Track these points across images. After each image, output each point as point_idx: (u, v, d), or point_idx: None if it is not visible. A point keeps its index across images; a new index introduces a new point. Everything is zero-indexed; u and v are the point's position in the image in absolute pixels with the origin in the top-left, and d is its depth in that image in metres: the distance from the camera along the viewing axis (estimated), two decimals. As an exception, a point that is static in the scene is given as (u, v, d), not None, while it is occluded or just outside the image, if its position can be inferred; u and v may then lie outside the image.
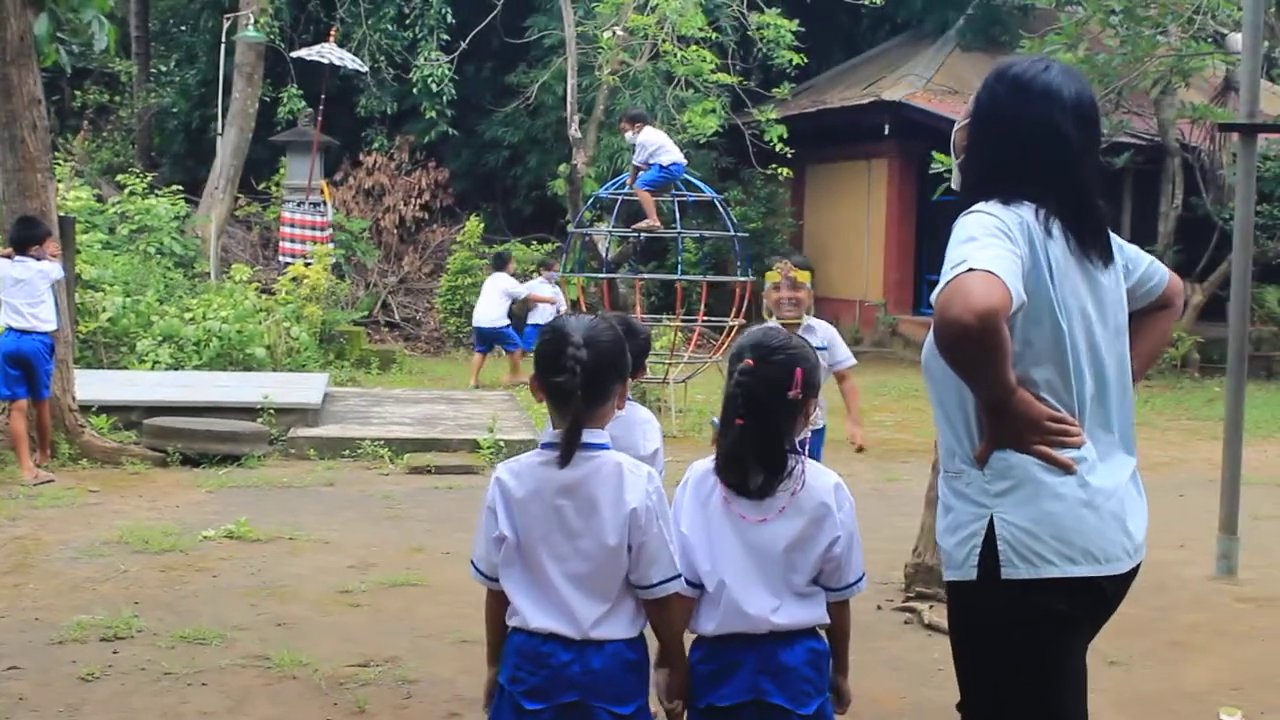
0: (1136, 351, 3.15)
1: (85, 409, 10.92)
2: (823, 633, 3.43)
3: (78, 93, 24.57)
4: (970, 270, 2.68)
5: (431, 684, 5.61)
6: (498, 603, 3.32)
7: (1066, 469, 2.83)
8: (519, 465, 3.26)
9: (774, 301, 7.49)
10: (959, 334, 2.64)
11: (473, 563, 3.35)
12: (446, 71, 21.54)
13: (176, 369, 14.54)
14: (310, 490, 9.80)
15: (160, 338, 15.00)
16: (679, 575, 3.22)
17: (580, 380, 3.12)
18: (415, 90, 21.83)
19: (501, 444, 10.99)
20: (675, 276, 16.15)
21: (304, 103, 21.30)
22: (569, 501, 3.17)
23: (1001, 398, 2.76)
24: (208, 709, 5.25)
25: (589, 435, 3.17)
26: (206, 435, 10.72)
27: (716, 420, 3.43)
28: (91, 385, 11.74)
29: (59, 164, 17.16)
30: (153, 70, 25.63)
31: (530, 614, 3.20)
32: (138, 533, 8.05)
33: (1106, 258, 3.03)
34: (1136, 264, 3.22)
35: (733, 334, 14.04)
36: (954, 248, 2.80)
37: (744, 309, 14.20)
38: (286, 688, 5.52)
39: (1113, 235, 3.14)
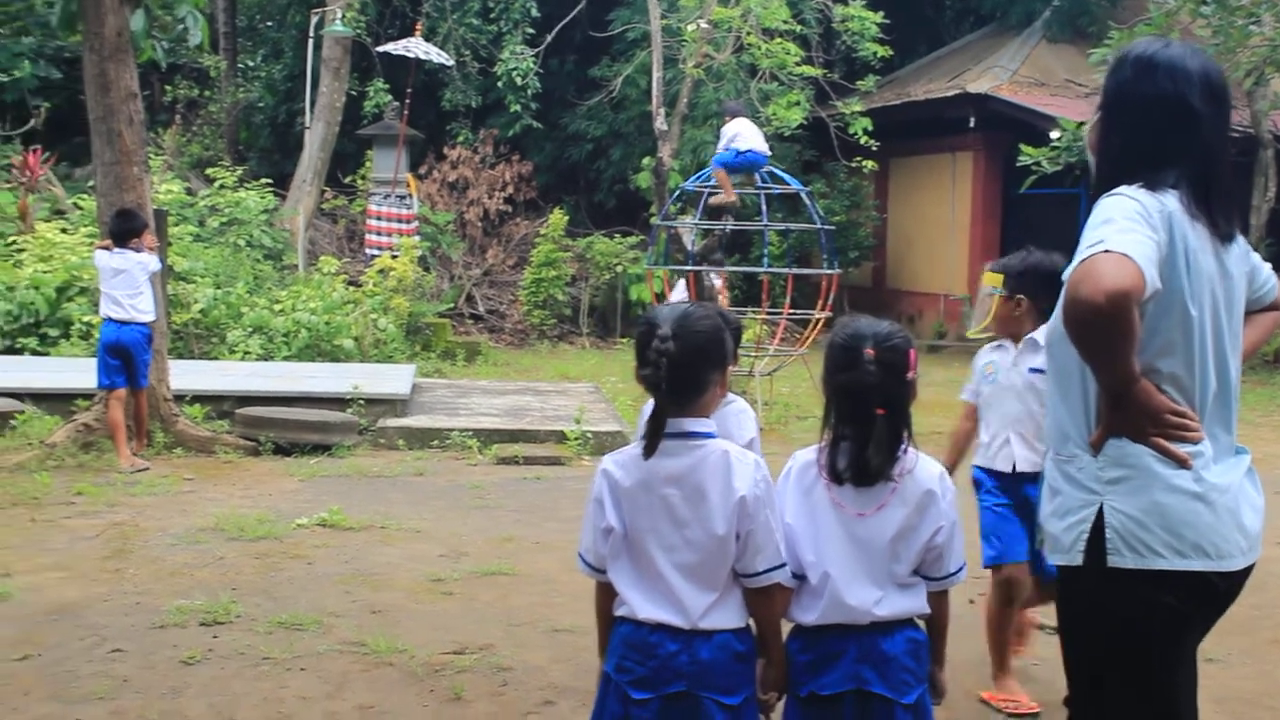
0: None
1: (179, 398, 11.11)
2: (921, 622, 3.44)
3: (168, 88, 24.92)
4: (1106, 251, 2.66)
5: (526, 672, 5.65)
6: (606, 595, 3.33)
7: (1182, 463, 2.80)
8: (624, 456, 3.27)
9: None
10: (1088, 314, 2.62)
11: (580, 555, 3.36)
12: (531, 65, 21.63)
13: (266, 360, 14.75)
14: (400, 480, 9.90)
15: (250, 329, 15.21)
16: (784, 564, 3.22)
17: (665, 373, 3.11)
18: (499, 84, 21.93)
19: (589, 435, 11.03)
20: (760, 269, 16.13)
21: (390, 97, 21.46)
22: (677, 491, 3.17)
23: (1123, 385, 2.73)
24: (307, 694, 5.33)
25: (694, 424, 3.18)
26: (298, 425, 10.86)
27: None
28: (185, 375, 11.93)
29: (151, 158, 17.41)
30: (240, 65, 25.96)
31: (638, 604, 3.21)
32: (233, 520, 8.18)
33: (1232, 240, 2.98)
34: (1259, 270, 3.20)
35: (818, 326, 14.01)
36: (1091, 229, 2.77)
37: (829, 302, 14.15)
38: (383, 674, 5.58)
39: (1245, 240, 3.12)
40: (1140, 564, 2.87)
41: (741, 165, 14.02)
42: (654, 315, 3.23)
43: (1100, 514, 2.91)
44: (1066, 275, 2.71)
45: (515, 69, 21.57)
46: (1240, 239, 3.08)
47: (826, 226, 14.64)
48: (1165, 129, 2.95)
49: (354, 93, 21.70)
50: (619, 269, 20.77)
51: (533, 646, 6.01)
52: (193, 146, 23.88)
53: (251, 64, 25.92)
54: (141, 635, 6.01)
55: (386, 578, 7.11)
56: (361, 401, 11.62)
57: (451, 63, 21.22)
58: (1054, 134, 17.65)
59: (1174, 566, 2.86)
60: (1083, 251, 2.69)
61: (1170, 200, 2.87)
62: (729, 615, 3.21)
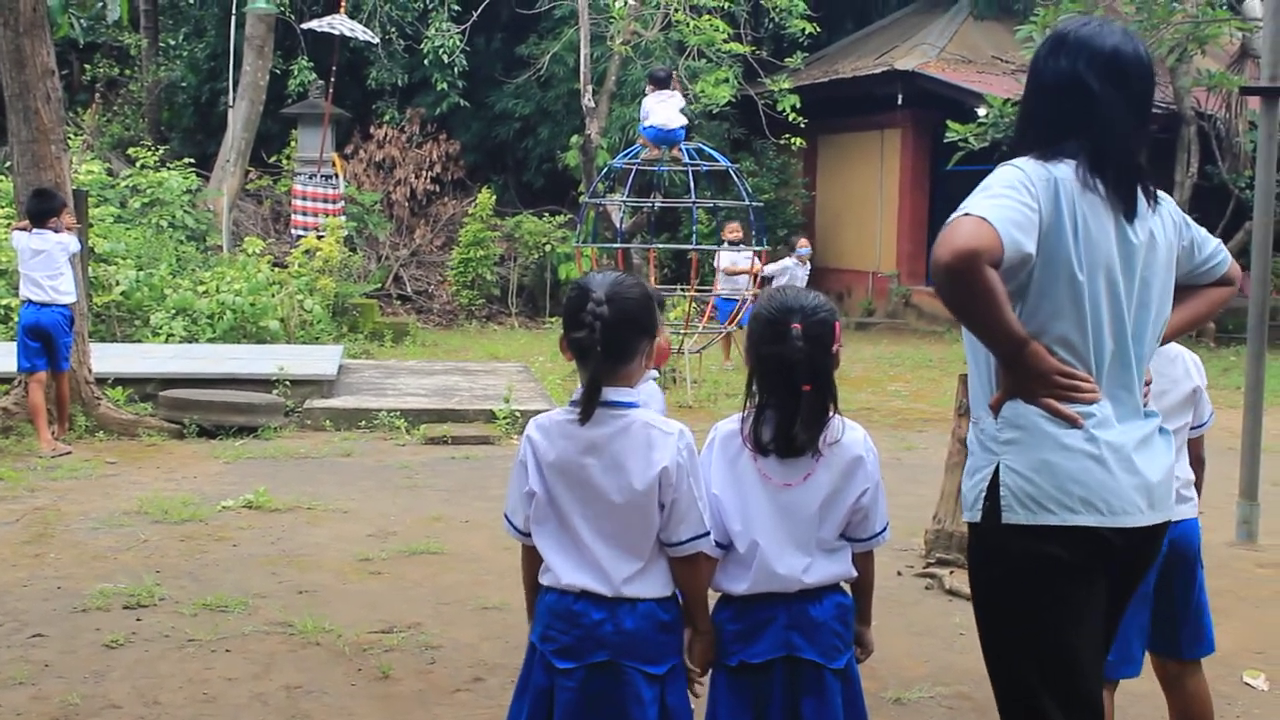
0: (1173, 318, 3.18)
1: (101, 381, 10.93)
2: (846, 586, 3.46)
3: (87, 66, 24.50)
4: (966, 215, 2.76)
5: (454, 650, 5.62)
6: (532, 559, 3.31)
7: (1072, 423, 2.87)
8: (548, 421, 3.25)
9: None
10: (941, 274, 2.72)
11: (506, 516, 3.34)
12: (457, 43, 21.43)
13: (190, 342, 14.56)
14: (327, 461, 9.82)
15: (174, 311, 15.02)
16: (708, 533, 3.21)
17: (599, 336, 3.09)
18: (426, 62, 21.72)
19: (517, 415, 10.98)
20: (690, 247, 16.12)
21: (314, 75, 21.24)
22: (595, 460, 3.15)
23: (1008, 347, 2.80)
24: (233, 675, 5.26)
25: (616, 394, 3.16)
26: (222, 407, 10.73)
27: None
28: (107, 358, 11.75)
29: (70, 138, 17.11)
30: (161, 44, 25.51)
31: (561, 571, 3.19)
32: (157, 503, 8.06)
33: (1135, 213, 3.02)
34: (1203, 245, 3.26)
35: (745, 305, 14.02)
36: (972, 195, 2.86)
37: (759, 280, 14.18)
38: (311, 654, 5.53)
39: (1184, 215, 3.20)
40: (1031, 519, 2.95)
41: (654, 140, 14.03)
42: (587, 281, 3.21)
43: (996, 472, 2.99)
44: None
45: (441, 46, 21.36)
46: (1172, 212, 3.13)
47: (755, 204, 14.64)
48: (1061, 104, 3.02)
49: (278, 71, 21.42)
50: (548, 248, 20.71)
51: (461, 624, 5.97)
52: (113, 126, 23.52)
53: (173, 42, 25.46)
54: (63, 620, 5.91)
55: (313, 558, 7.04)
56: (287, 383, 11.50)
57: (377, 40, 20.99)
58: (981, 111, 17.76)
59: (1063, 521, 2.94)
60: (952, 218, 2.79)
61: (1061, 169, 2.94)
62: (653, 584, 3.19)
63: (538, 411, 11.16)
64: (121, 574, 6.60)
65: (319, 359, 13.01)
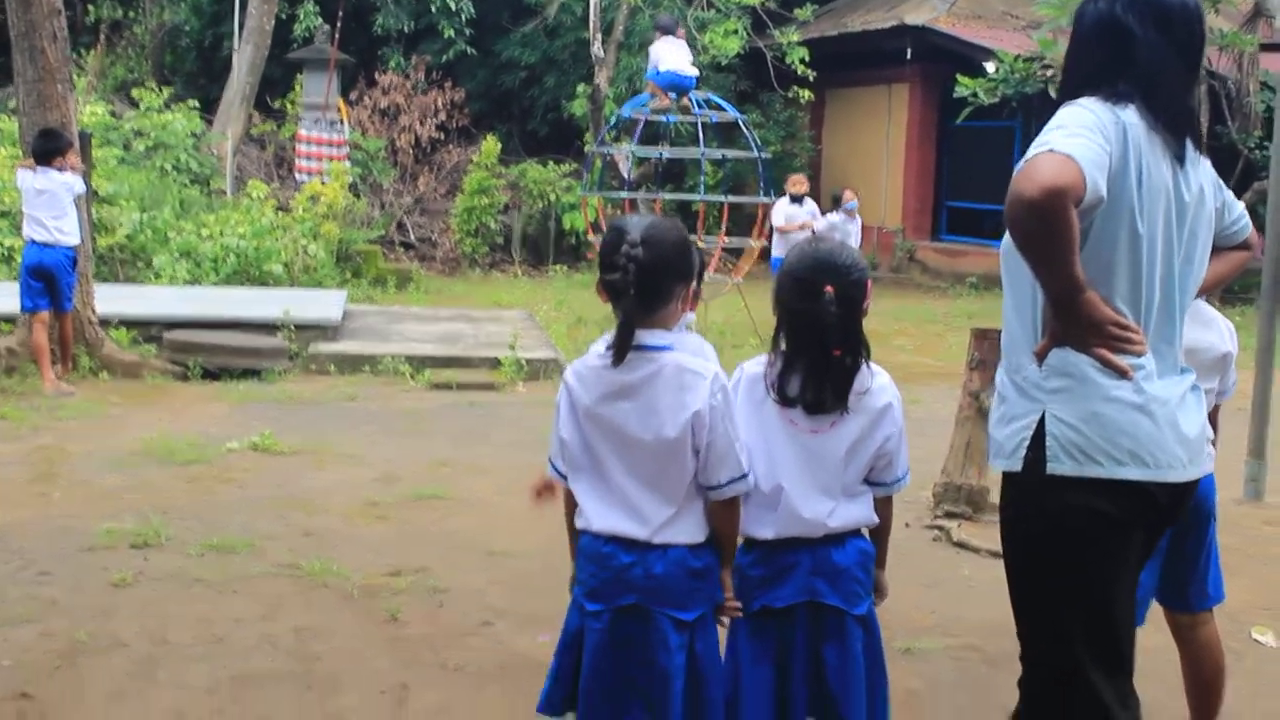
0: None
1: (105, 323, 10.89)
2: (867, 533, 3.43)
3: (91, 8, 24.28)
4: (1050, 151, 2.66)
5: (462, 594, 5.60)
6: (571, 502, 3.29)
7: (1122, 374, 2.80)
8: (584, 367, 3.21)
9: None
10: (1024, 210, 2.62)
11: (549, 460, 3.32)
12: (465, -11, 21.28)
13: (194, 285, 14.50)
14: (332, 405, 9.79)
15: (177, 254, 14.95)
16: (746, 475, 3.17)
17: (633, 278, 3.04)
18: (433, 9, 21.57)
19: (523, 362, 10.96)
20: (696, 197, 16.04)
21: (320, 20, 21.06)
22: (629, 404, 3.11)
23: (1067, 292, 2.71)
24: (241, 616, 5.25)
25: (649, 337, 3.10)
26: (227, 350, 10.71)
27: None
28: (111, 299, 11.68)
29: (74, 79, 16.99)
30: (166, -14, 25.33)
31: (594, 515, 3.17)
32: (162, 444, 8.04)
33: (1185, 163, 2.97)
34: (1232, 208, 3.23)
35: (754, 256, 13.96)
36: (1044, 132, 2.77)
37: (765, 230, 14.11)
38: (319, 596, 5.51)
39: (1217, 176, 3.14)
40: (1078, 471, 2.89)
41: (666, 86, 13.92)
42: (622, 222, 3.16)
43: (1042, 421, 2.93)
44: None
45: (449, -8, 21.20)
46: (1209, 169, 3.08)
47: (764, 155, 14.55)
48: (1103, 47, 2.97)
49: (283, 16, 21.25)
50: (552, 197, 20.61)
51: (469, 569, 5.95)
52: (116, 69, 23.35)
53: (177, -15, 25.26)
54: (70, 558, 5.90)
55: (320, 502, 7.02)
56: (292, 327, 11.46)
57: (383, -15, 20.83)
58: (990, 66, 17.60)
59: (1111, 474, 2.89)
60: (1029, 154, 2.70)
61: (1129, 114, 2.88)
62: (686, 530, 3.16)
63: (543, 359, 11.22)
64: (128, 514, 6.58)
65: (323, 303, 12.97)
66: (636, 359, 3.10)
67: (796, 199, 14.56)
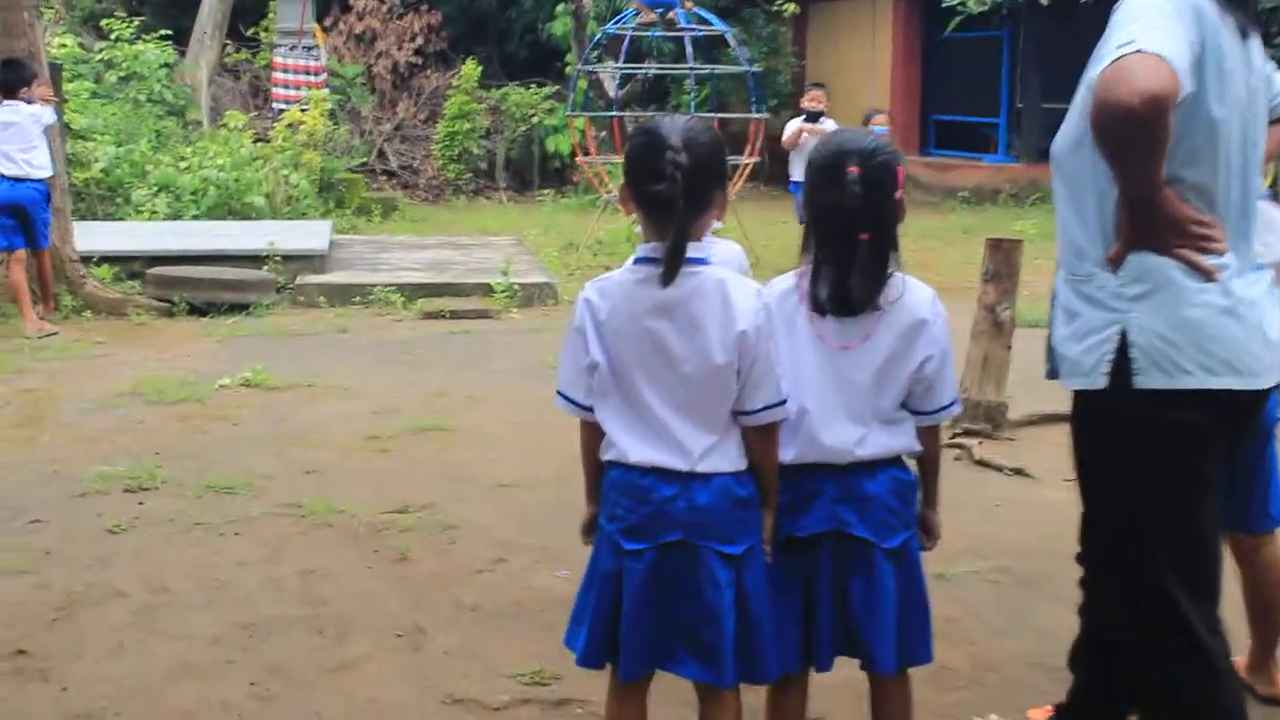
0: None
1: (86, 260, 10.59)
2: (910, 461, 3.20)
3: (55, -63, 23.71)
4: (1139, 52, 2.41)
5: (472, 529, 5.40)
6: (592, 435, 3.00)
7: (1208, 275, 2.57)
8: (609, 284, 2.93)
9: None
10: (1121, 118, 2.38)
11: (559, 393, 3.01)
12: (439, -94, 20.75)
13: (175, 219, 14.14)
14: (324, 337, 9.53)
15: (156, 187, 14.57)
16: (784, 400, 2.92)
17: (682, 187, 2.77)
18: (407, -72, 21.08)
19: (516, 288, 10.70)
20: (687, 115, 15.71)
21: (293, -58, 20.53)
22: (668, 323, 2.84)
23: (1150, 194, 2.49)
24: (244, 558, 5.04)
25: (690, 249, 2.82)
26: (213, 284, 10.42)
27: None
28: (91, 236, 11.38)
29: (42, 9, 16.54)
30: (131, -88, 24.70)
31: (629, 446, 2.89)
32: (151, 383, 7.79)
33: (1249, 37, 2.74)
34: (1272, 77, 2.99)
35: (747, 171, 13.67)
36: (1119, 28, 2.52)
37: (757, 146, 13.82)
38: (323, 535, 5.30)
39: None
40: (1169, 383, 2.69)
41: (650, 3, 13.57)
42: (656, 127, 2.88)
43: (1124, 333, 2.71)
44: (1093, 77, 2.45)
45: (422, -90, 20.68)
46: (1258, 40, 2.83)
47: (753, 70, 14.23)
48: None
49: (254, -63, 20.73)
50: (534, 120, 20.22)
51: (477, 503, 5.74)
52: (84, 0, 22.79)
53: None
54: (62, 504, 5.67)
55: (318, 437, 6.79)
56: (278, 258, 11.17)
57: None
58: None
59: (1205, 385, 2.69)
60: (1112, 52, 2.45)
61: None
62: (728, 458, 2.91)
63: (537, 284, 10.97)
64: (120, 456, 6.34)
65: (309, 234, 12.65)
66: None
67: (813, 117, 12.32)
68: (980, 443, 6.53)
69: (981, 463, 6.32)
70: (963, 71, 20.82)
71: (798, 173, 12.14)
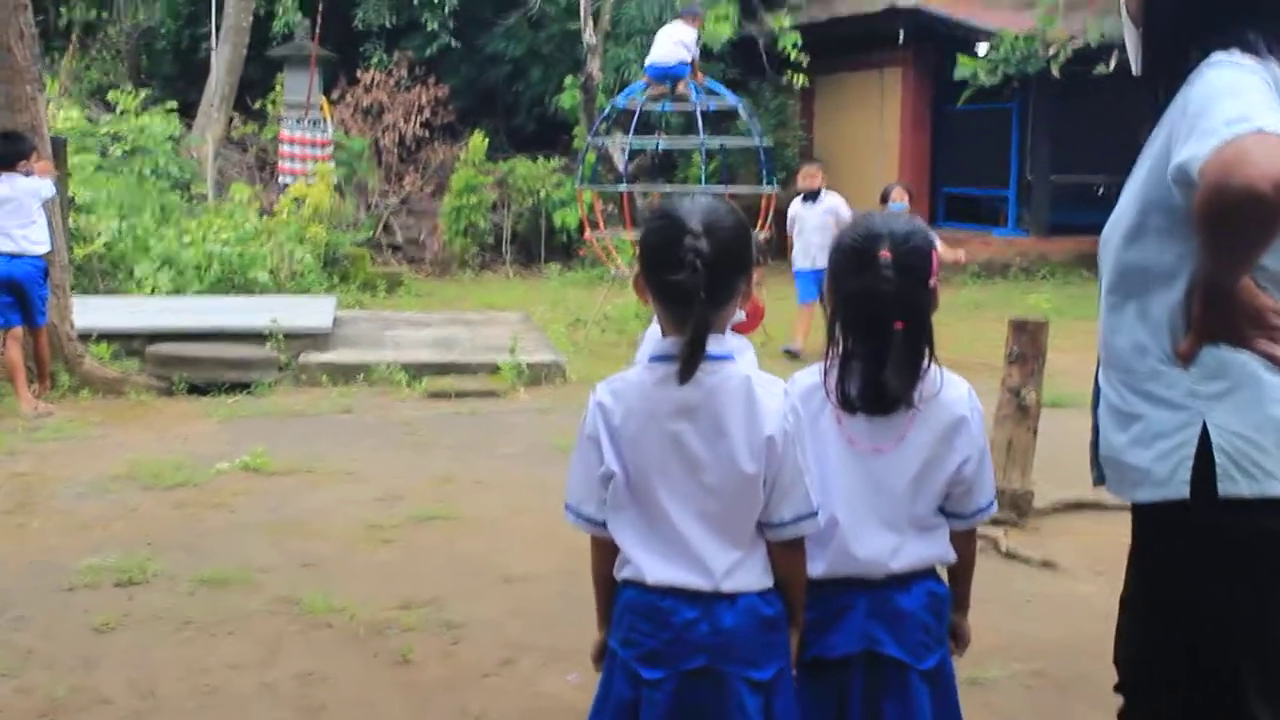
0: None
1: (84, 337, 10.38)
2: (942, 571, 2.97)
3: (63, 10, 23.73)
4: (1259, 131, 2.19)
5: (479, 627, 5.14)
6: (605, 554, 2.75)
7: None
8: (623, 384, 2.68)
9: None
10: (1245, 203, 2.15)
11: (569, 507, 2.76)
12: (447, -19, 20.76)
13: (177, 294, 13.97)
14: (326, 418, 9.29)
15: (159, 262, 14.41)
16: (815, 512, 2.68)
17: (703, 278, 2.53)
18: (415, 2, 21.05)
19: (524, 366, 10.48)
20: (698, 188, 15.57)
21: (300, 15, 20.54)
22: (689, 425, 2.60)
23: (1235, 282, 2.28)
24: (237, 661, 4.78)
25: (711, 344, 2.58)
26: (214, 362, 10.21)
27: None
28: (90, 312, 11.17)
29: (47, 83, 16.48)
30: (139, -13, 24.78)
31: (647, 565, 2.64)
32: (147, 466, 7.55)
33: None
34: None
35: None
36: (1219, 101, 2.29)
37: (768, 220, 13.67)
38: (321, 636, 5.04)
39: None
40: (1256, 491, 2.44)
41: (656, 78, 13.51)
42: (674, 208, 2.64)
43: (1204, 435, 2.46)
44: (1203, 157, 2.22)
45: (430, -15, 20.69)
46: None
47: (765, 145, 14.10)
48: None
49: (261, 12, 20.73)
50: (541, 194, 20.09)
51: (484, 598, 5.49)
52: (90, 73, 22.78)
53: (151, -15, 24.73)
54: (48, 599, 5.42)
55: (318, 526, 6.54)
56: (281, 336, 10.95)
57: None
58: (981, 48, 17.19)
59: None
60: (1222, 130, 2.22)
61: (1276, 69, 2.42)
62: (754, 575, 2.66)
63: (545, 363, 10.74)
64: (111, 546, 6.10)
65: (312, 311, 12.46)
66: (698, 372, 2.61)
67: (810, 196, 11.96)
68: (1006, 532, 6.27)
69: (1009, 554, 6.06)
70: (972, 144, 20.74)
71: (800, 260, 11.99)
